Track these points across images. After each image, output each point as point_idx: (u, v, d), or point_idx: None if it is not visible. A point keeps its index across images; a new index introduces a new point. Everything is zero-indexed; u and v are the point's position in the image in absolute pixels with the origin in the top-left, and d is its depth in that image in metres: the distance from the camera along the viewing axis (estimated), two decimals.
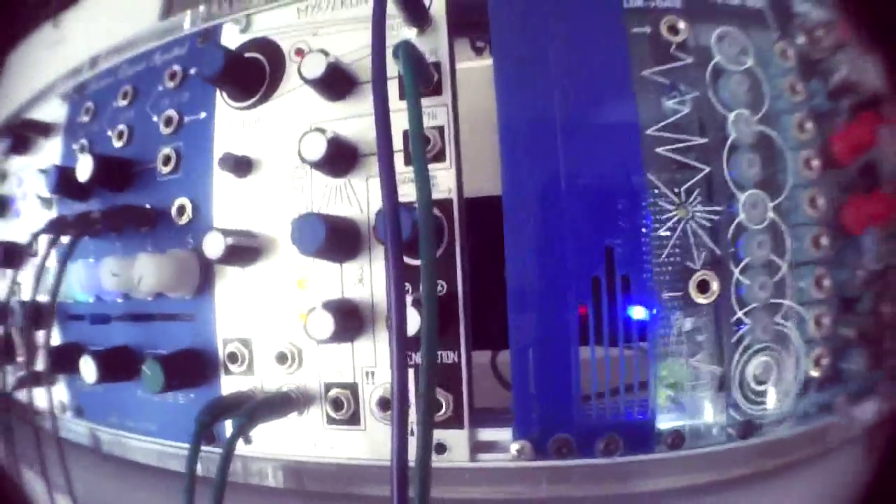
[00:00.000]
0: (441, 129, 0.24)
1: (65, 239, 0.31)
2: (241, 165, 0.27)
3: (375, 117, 0.20)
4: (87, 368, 0.28)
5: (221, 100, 0.28)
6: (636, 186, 0.22)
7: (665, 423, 0.22)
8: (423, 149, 0.20)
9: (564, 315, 0.22)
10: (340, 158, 0.25)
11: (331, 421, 0.25)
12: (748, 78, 0.22)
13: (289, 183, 0.26)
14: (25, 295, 0.36)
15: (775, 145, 0.22)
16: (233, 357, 0.27)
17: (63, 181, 0.30)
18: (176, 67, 0.30)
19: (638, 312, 0.22)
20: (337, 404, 0.25)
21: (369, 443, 0.24)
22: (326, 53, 0.24)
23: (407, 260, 0.23)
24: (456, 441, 0.23)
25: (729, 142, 0.22)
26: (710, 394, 0.22)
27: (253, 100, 0.27)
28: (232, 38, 0.29)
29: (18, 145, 0.36)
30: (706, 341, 0.21)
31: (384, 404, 0.24)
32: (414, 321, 0.22)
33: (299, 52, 0.27)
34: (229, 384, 0.27)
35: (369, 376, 0.24)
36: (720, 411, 0.21)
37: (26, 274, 0.36)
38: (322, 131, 0.24)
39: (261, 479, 0.26)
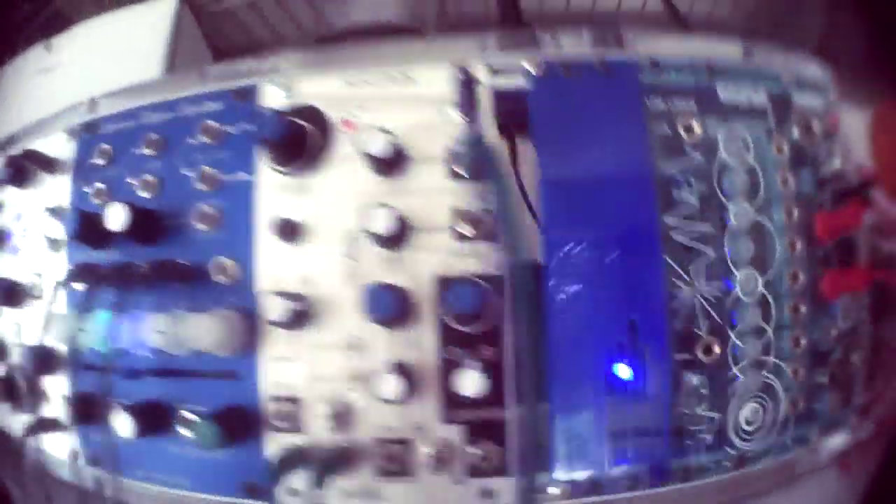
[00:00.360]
0: (491, 211, 0.27)
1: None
2: (290, 230, 0.28)
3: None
4: (122, 422, 0.28)
5: (265, 163, 0.29)
6: (655, 268, 0.26)
7: (677, 461, 0.26)
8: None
9: (596, 374, 0.26)
10: (400, 233, 0.27)
11: (383, 473, 0.27)
12: (748, 173, 0.27)
13: (339, 250, 0.28)
14: (26, 336, 0.34)
15: (766, 230, 0.27)
16: (281, 414, 0.28)
17: (85, 226, 0.30)
18: (212, 123, 0.30)
19: (654, 372, 0.26)
20: (390, 458, 0.27)
21: (422, 493, 0.27)
22: (387, 131, 0.26)
23: (460, 327, 0.27)
24: (502, 487, 0.27)
25: (728, 229, 0.27)
26: (711, 436, 0.27)
27: (300, 166, 0.29)
28: (274, 100, 0.30)
29: (18, 176, 0.34)
30: (708, 393, 0.26)
31: (440, 457, 0.27)
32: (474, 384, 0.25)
33: (347, 123, 0.29)
34: (275, 441, 0.28)
35: (421, 431, 0.27)
36: (718, 449, 0.27)
37: (25, 314, 0.35)
38: (389, 207, 0.26)
39: None
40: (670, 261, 0.26)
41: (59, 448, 0.34)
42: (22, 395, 0.35)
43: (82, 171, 0.33)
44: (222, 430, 0.26)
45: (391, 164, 0.27)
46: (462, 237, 0.27)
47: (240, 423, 0.28)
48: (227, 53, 0.42)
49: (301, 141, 0.28)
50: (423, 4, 0.34)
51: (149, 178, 0.30)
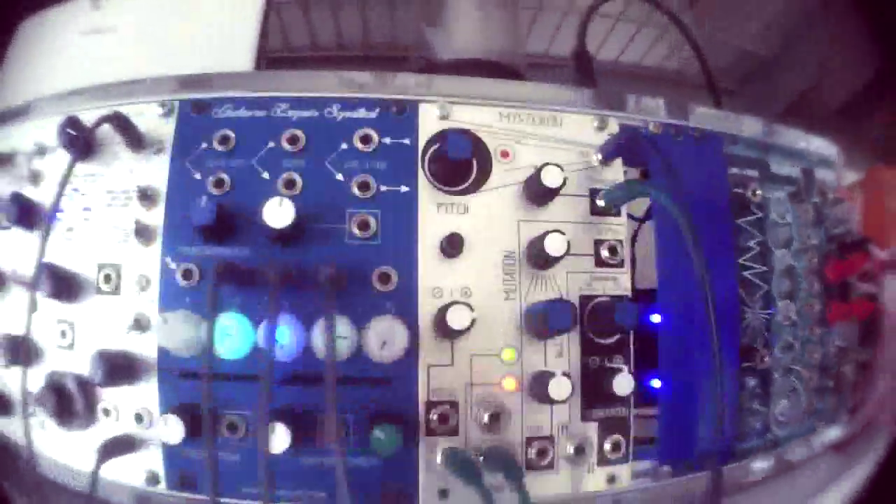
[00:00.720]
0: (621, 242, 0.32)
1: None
2: (454, 245, 0.29)
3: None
4: (279, 437, 0.26)
5: (425, 179, 0.30)
6: (733, 298, 0.34)
7: (738, 443, 0.35)
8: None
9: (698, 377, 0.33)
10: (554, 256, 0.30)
11: (530, 467, 0.30)
12: (787, 229, 0.36)
13: (497, 268, 0.30)
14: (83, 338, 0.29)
15: (796, 272, 0.36)
16: (443, 419, 0.29)
17: (220, 217, 0.27)
18: (369, 132, 0.29)
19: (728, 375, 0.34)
20: (539, 454, 0.30)
21: (560, 482, 0.31)
22: (561, 168, 0.29)
23: (596, 339, 0.31)
24: (623, 472, 0.32)
25: (774, 270, 0.36)
26: (759, 425, 0.35)
27: (462, 187, 0.30)
28: (429, 120, 0.30)
29: (85, 144, 0.28)
30: (760, 392, 0.35)
31: (579, 450, 0.31)
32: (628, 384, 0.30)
33: (504, 154, 0.31)
34: (429, 443, 0.29)
35: (563, 430, 0.31)
36: (763, 435, 0.35)
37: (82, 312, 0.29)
38: (562, 233, 0.29)
39: None
40: (741, 292, 0.34)
41: (122, 471, 0.30)
42: (76, 408, 0.29)
43: (188, 154, 0.29)
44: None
45: (547, 196, 0.31)
46: (601, 263, 0.32)
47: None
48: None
49: (474, 163, 0.30)
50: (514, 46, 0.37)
51: (293, 176, 0.29)
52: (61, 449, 0.32)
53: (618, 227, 0.32)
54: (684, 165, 0.33)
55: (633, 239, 0.34)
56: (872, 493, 0.34)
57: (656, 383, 0.32)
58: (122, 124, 0.29)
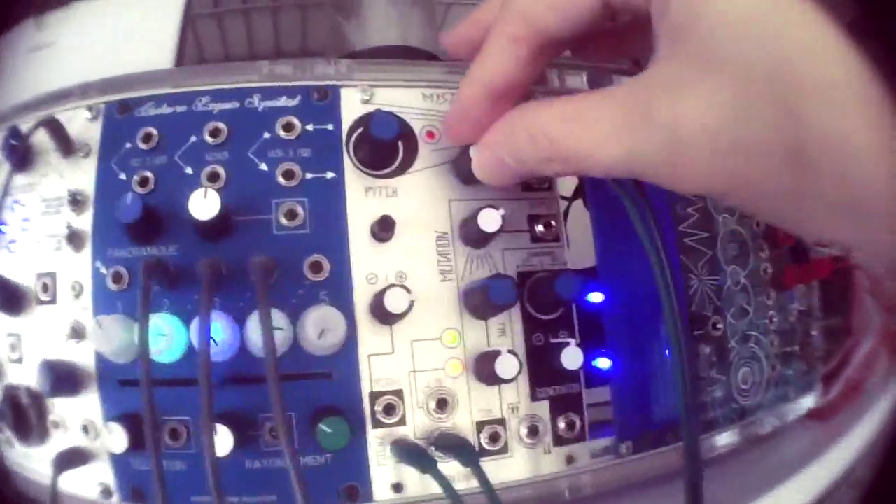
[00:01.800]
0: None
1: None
2: (386, 228, 0.29)
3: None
4: (222, 439, 0.26)
5: (351, 164, 0.29)
6: (676, 266, 0.34)
7: (702, 416, 0.34)
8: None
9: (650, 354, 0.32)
10: (486, 237, 0.29)
11: (484, 454, 0.29)
12: None
13: (431, 250, 0.30)
14: (30, 350, 0.28)
15: (744, 236, 0.36)
16: (388, 409, 0.28)
17: (146, 214, 0.26)
18: (292, 119, 0.29)
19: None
20: (492, 439, 0.29)
21: (517, 466, 0.30)
22: None
23: (538, 315, 0.31)
24: (582, 451, 0.31)
25: (720, 234, 0.35)
26: (720, 395, 0.34)
27: (390, 170, 0.30)
28: (352, 104, 0.30)
29: (24, 157, 0.28)
30: (716, 360, 0.34)
31: (532, 431, 0.30)
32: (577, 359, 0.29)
33: (430, 135, 0.31)
34: (377, 435, 0.28)
35: (514, 411, 0.30)
36: (726, 405, 0.35)
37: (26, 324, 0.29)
38: (496, 208, 0.28)
39: None
40: (685, 260, 0.34)
41: (79, 485, 0.29)
42: (31, 422, 0.29)
43: (114, 155, 0.29)
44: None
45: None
46: (537, 239, 0.31)
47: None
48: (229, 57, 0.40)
49: (400, 144, 0.29)
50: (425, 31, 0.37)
51: (217, 169, 0.29)
52: (30, 465, 0.31)
53: (550, 202, 0.32)
54: None
55: (564, 218, 0.33)
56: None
57: (604, 362, 0.32)
58: (54, 128, 0.29)
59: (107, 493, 0.29)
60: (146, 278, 0.25)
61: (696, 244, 0.35)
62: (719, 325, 0.34)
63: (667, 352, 0.32)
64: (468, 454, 0.27)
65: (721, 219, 0.36)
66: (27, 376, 0.30)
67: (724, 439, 0.34)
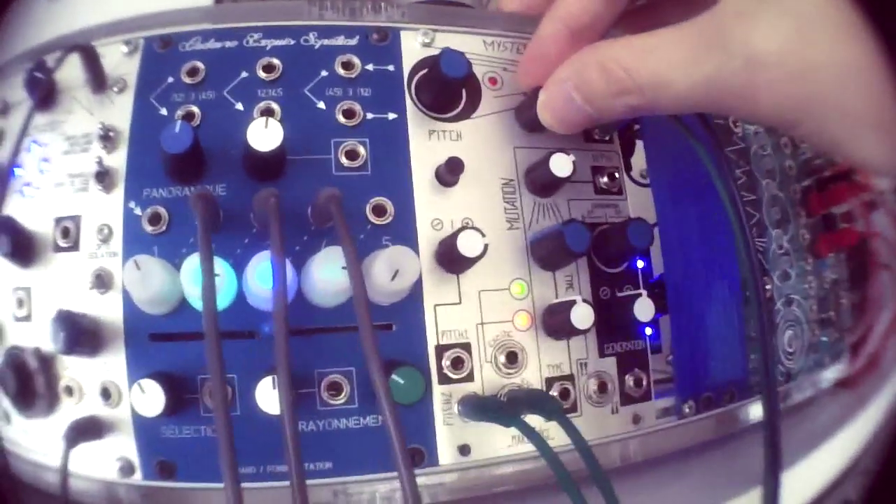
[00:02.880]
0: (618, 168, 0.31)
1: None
2: (455, 171, 0.27)
3: None
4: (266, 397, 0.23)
5: (414, 106, 0.28)
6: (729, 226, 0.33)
7: (751, 377, 0.33)
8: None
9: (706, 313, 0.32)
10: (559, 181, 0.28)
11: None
12: (769, 159, 0.36)
13: (497, 197, 0.28)
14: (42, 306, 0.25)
15: (784, 202, 0.36)
16: (456, 363, 0.26)
17: (195, 147, 0.24)
18: (351, 57, 0.27)
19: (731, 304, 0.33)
20: (562, 396, 0.28)
21: (586, 426, 0.28)
22: None
23: (604, 268, 0.30)
24: (648, 410, 0.30)
25: (764, 198, 0.36)
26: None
27: (453, 113, 0.28)
28: (413, 46, 0.29)
29: (48, 92, 0.25)
30: (768, 323, 0.34)
31: (602, 388, 0.28)
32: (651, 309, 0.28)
33: (493, 81, 0.29)
34: (444, 392, 0.26)
35: (583, 367, 0.28)
36: (775, 367, 0.34)
37: (39, 275, 0.25)
38: (567, 153, 0.27)
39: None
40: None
41: (92, 464, 0.25)
42: (37, 389, 0.25)
43: (154, 90, 0.27)
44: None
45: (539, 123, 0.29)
46: (600, 191, 0.30)
47: None
48: None
49: (465, 87, 0.28)
50: None
51: (271, 105, 0.26)
52: (30, 443, 0.27)
53: (612, 154, 0.31)
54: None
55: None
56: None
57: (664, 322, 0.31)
58: (89, 56, 0.26)
59: (128, 469, 0.26)
60: (202, 208, 0.23)
61: (745, 205, 0.35)
62: (767, 287, 0.34)
63: (725, 310, 0.32)
64: (552, 407, 0.25)
65: (765, 183, 0.36)
66: (36, 336, 0.27)
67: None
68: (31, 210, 0.27)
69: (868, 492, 0.42)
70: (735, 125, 0.35)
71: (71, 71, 0.28)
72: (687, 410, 0.30)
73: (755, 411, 0.34)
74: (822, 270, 0.38)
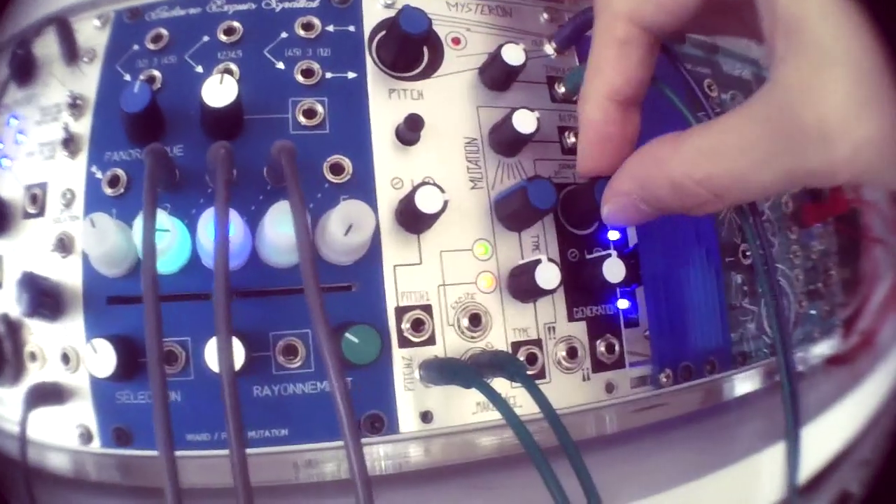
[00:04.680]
0: None
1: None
2: (415, 127, 0.26)
3: None
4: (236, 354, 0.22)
5: (374, 66, 0.28)
6: None
7: (735, 347, 0.32)
8: None
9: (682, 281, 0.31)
10: (523, 140, 0.28)
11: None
12: None
13: (459, 155, 0.28)
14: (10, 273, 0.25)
15: None
16: (417, 325, 0.26)
17: (152, 109, 0.24)
18: (312, 19, 0.27)
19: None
20: (529, 361, 0.27)
21: (556, 393, 0.27)
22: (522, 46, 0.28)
23: (573, 229, 0.29)
24: (622, 379, 0.29)
25: None
26: (752, 326, 0.33)
27: (415, 72, 0.28)
28: (373, 8, 0.29)
29: (25, 65, 0.25)
30: (748, 289, 0.33)
31: (571, 353, 0.27)
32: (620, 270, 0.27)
33: (456, 41, 0.29)
34: (404, 356, 0.26)
35: (551, 331, 0.28)
36: (759, 339, 0.33)
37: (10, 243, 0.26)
38: (531, 109, 0.27)
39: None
40: None
41: (53, 431, 0.25)
42: (5, 355, 0.25)
43: (120, 56, 0.27)
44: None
45: (507, 80, 0.29)
46: (567, 151, 0.30)
47: None
48: None
49: (427, 46, 0.28)
50: None
51: (229, 66, 0.26)
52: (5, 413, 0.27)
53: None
54: None
55: None
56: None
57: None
58: (62, 28, 0.27)
59: (86, 436, 0.26)
60: (152, 163, 0.22)
61: None
62: (748, 254, 0.33)
63: (703, 276, 0.31)
64: (516, 369, 0.24)
65: None
66: (6, 303, 0.26)
67: (753, 378, 0.33)
68: (8, 181, 0.27)
69: (870, 485, 0.40)
70: (710, 89, 0.35)
71: (50, 47, 0.28)
72: (664, 380, 0.29)
73: (742, 384, 0.32)
74: (808, 241, 0.36)
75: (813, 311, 0.36)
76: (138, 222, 0.23)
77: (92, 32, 0.28)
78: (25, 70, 0.28)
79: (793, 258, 0.35)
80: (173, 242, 0.24)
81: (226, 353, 0.20)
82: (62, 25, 0.27)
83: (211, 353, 0.23)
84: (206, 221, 0.23)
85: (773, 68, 0.20)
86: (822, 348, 0.37)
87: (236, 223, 0.24)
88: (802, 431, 0.33)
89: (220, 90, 0.24)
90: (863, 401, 0.39)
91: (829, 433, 0.36)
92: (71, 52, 0.27)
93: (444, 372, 0.25)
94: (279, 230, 0.23)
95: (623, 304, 0.30)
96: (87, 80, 0.27)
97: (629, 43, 0.23)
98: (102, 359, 0.24)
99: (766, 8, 0.20)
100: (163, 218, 0.24)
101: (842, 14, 0.18)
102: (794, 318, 0.35)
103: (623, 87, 0.23)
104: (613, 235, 0.30)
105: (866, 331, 0.40)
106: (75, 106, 0.26)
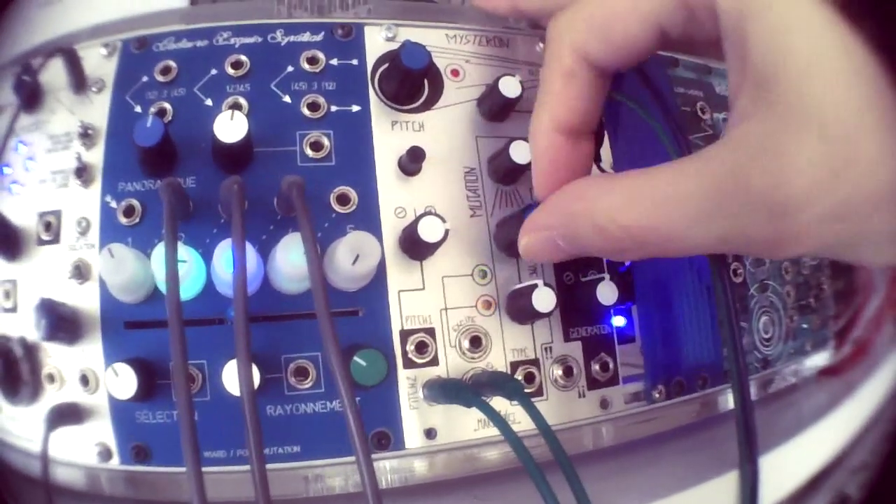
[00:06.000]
0: None
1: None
2: (417, 159, 0.28)
3: None
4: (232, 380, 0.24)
5: (377, 99, 0.29)
6: None
7: (726, 363, 0.33)
8: None
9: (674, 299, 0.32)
10: (517, 170, 0.29)
11: None
12: None
13: (459, 185, 0.29)
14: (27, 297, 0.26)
15: None
16: (420, 348, 0.27)
17: (165, 142, 0.25)
18: (316, 53, 0.28)
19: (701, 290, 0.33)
20: (527, 379, 0.28)
21: (553, 410, 0.28)
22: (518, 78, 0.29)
23: None
24: (616, 395, 0.30)
25: None
26: (744, 343, 0.34)
27: (416, 105, 0.29)
28: (376, 41, 0.30)
29: (33, 93, 0.26)
30: (738, 308, 0.34)
31: (567, 372, 0.29)
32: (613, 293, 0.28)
33: (455, 73, 0.30)
34: (409, 376, 0.27)
35: (548, 351, 0.29)
36: (750, 353, 0.34)
37: (25, 268, 0.27)
38: (527, 140, 0.28)
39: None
40: None
41: (73, 449, 0.27)
42: (22, 376, 0.26)
43: (129, 88, 0.28)
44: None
45: (504, 111, 0.30)
46: None
47: None
48: None
49: (427, 79, 0.29)
50: None
51: (238, 100, 0.27)
52: (17, 430, 0.28)
53: None
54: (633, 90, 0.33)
55: None
56: None
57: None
58: (70, 59, 0.28)
59: (105, 454, 0.27)
60: (170, 197, 0.24)
61: None
62: (739, 272, 0.34)
63: (694, 294, 0.32)
64: (514, 388, 0.25)
65: None
66: (21, 326, 0.28)
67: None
68: (18, 206, 0.28)
69: (868, 488, 0.41)
70: (703, 112, 0.36)
71: (55, 73, 0.29)
72: (657, 395, 0.31)
73: (732, 398, 0.34)
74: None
75: (805, 325, 0.37)
76: (156, 252, 0.25)
77: (99, 61, 0.29)
78: (32, 96, 0.29)
79: (784, 274, 0.36)
80: (190, 271, 0.25)
81: (246, 377, 0.22)
82: (70, 56, 0.28)
83: (228, 375, 0.25)
84: (222, 253, 0.25)
85: (730, 126, 0.19)
86: (815, 360, 0.38)
87: (249, 254, 0.25)
88: (798, 438, 0.35)
89: (231, 126, 0.25)
90: (858, 407, 0.41)
91: (824, 439, 0.38)
92: (79, 82, 0.28)
93: (447, 392, 0.26)
94: (290, 260, 0.25)
95: (619, 321, 0.31)
96: (97, 110, 0.28)
97: (575, 76, 0.22)
98: (124, 382, 0.25)
99: (735, 58, 0.18)
100: (181, 248, 0.25)
101: (837, 70, 0.16)
102: (784, 333, 0.36)
103: (568, 119, 0.23)
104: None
105: (860, 341, 0.41)
106: (86, 135, 0.27)
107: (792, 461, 0.35)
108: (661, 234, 0.19)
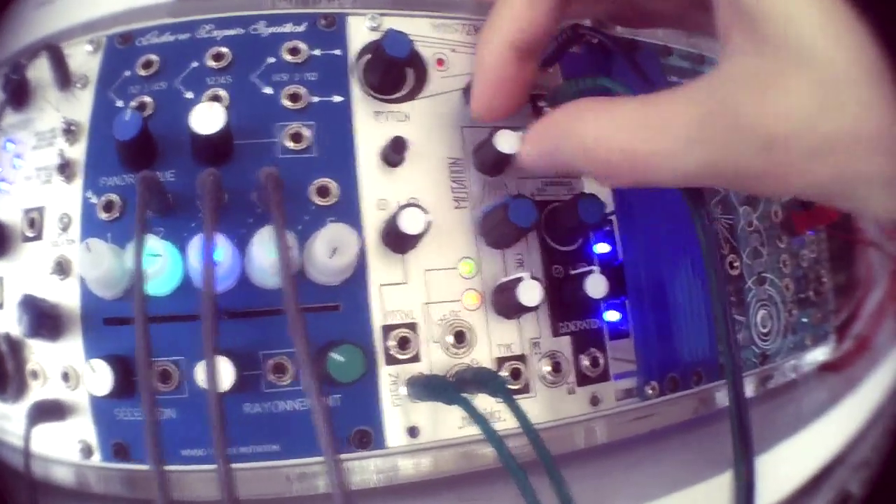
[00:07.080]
0: None
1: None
2: (399, 149, 0.27)
3: None
4: (223, 375, 0.23)
5: (360, 90, 0.28)
6: None
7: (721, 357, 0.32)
8: None
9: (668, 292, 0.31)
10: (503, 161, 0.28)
11: None
12: None
13: (443, 176, 0.28)
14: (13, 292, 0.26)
15: None
16: (403, 343, 0.26)
17: (144, 135, 0.25)
18: (298, 43, 0.28)
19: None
20: (513, 376, 0.27)
21: (541, 407, 0.28)
22: None
23: (556, 246, 0.29)
24: (607, 391, 0.29)
25: None
26: (742, 338, 0.33)
27: (400, 94, 0.29)
28: (360, 31, 0.29)
29: (20, 90, 0.26)
30: (735, 300, 0.33)
31: (556, 368, 0.28)
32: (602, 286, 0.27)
33: (440, 62, 0.30)
34: (391, 373, 0.26)
35: (536, 346, 0.28)
36: (747, 348, 0.33)
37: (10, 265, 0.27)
38: (513, 129, 0.27)
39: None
40: None
41: (57, 445, 0.26)
42: (8, 372, 0.26)
43: (112, 83, 0.28)
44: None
45: None
46: None
47: None
48: None
49: (410, 70, 0.28)
50: None
51: (218, 92, 0.27)
52: (6, 426, 0.28)
53: None
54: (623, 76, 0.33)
55: None
56: None
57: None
58: (54, 56, 0.27)
59: (87, 451, 0.27)
60: (143, 191, 0.23)
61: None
62: (736, 265, 0.33)
63: (688, 288, 0.31)
64: (498, 385, 0.24)
65: None
66: (7, 323, 0.28)
67: (749, 383, 0.33)
68: (6, 204, 0.28)
69: (871, 486, 0.40)
70: None
71: (43, 71, 0.29)
72: (650, 392, 0.30)
73: (724, 395, 0.33)
74: (798, 249, 0.36)
75: (805, 319, 0.36)
76: (131, 247, 0.24)
77: (84, 58, 0.29)
78: (20, 95, 0.29)
79: (783, 267, 0.35)
80: (165, 266, 0.25)
81: (212, 375, 0.21)
82: (54, 52, 0.27)
83: (200, 373, 0.24)
84: (196, 247, 0.24)
85: (723, 58, 0.19)
86: (815, 355, 0.37)
87: (225, 248, 0.25)
88: (799, 435, 0.34)
89: (208, 117, 0.25)
90: (860, 404, 0.39)
91: (826, 436, 0.37)
92: (64, 78, 0.28)
93: (429, 389, 0.25)
94: (266, 253, 0.24)
95: (613, 315, 0.30)
96: (81, 106, 0.28)
97: None
98: (100, 378, 0.25)
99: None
100: (154, 243, 0.24)
101: (829, 17, 0.16)
102: (783, 327, 0.35)
103: (525, 37, 0.23)
104: (601, 249, 0.31)
105: (861, 336, 0.40)
106: (70, 132, 0.27)
107: (793, 458, 0.34)
108: (648, 159, 0.19)
